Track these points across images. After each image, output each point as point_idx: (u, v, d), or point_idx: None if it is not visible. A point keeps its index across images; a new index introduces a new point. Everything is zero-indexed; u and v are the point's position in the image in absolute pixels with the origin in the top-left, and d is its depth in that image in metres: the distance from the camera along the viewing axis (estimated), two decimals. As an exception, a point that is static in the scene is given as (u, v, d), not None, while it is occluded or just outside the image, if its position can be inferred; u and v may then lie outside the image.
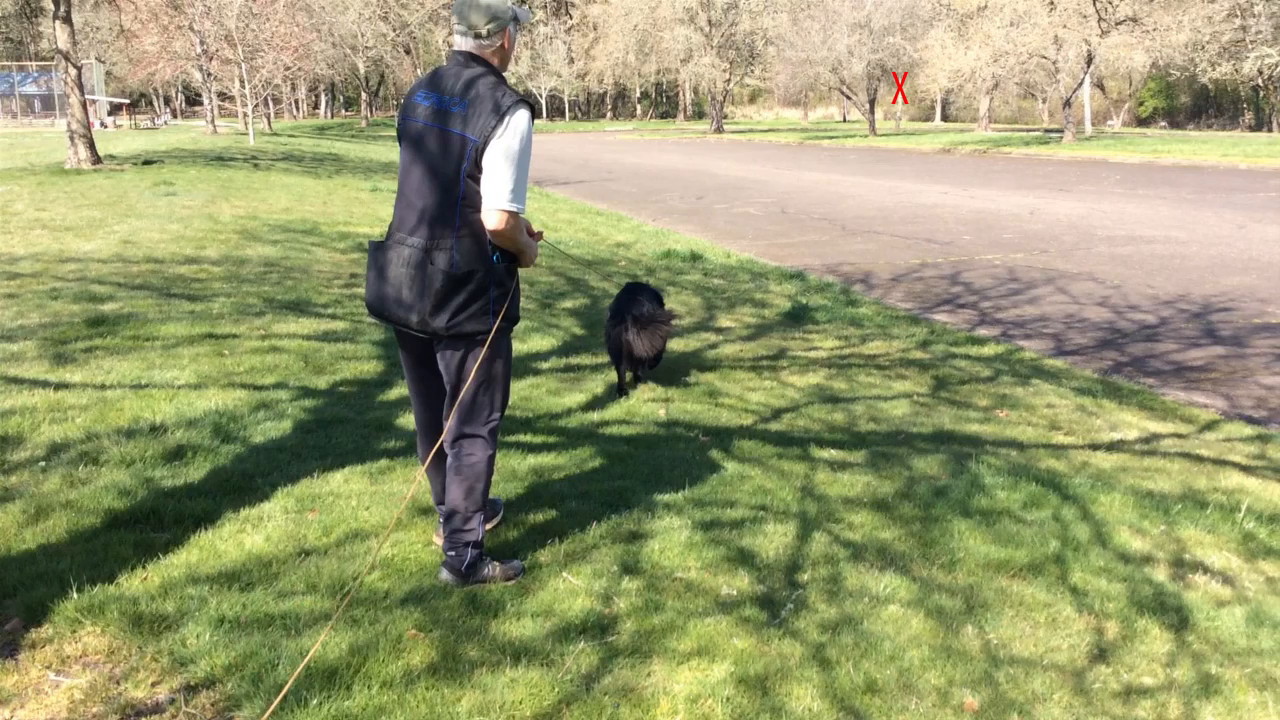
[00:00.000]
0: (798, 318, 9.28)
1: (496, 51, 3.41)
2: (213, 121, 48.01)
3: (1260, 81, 61.79)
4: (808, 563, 3.80)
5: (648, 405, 5.88)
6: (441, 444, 3.57)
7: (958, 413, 6.21)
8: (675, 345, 7.66)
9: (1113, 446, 5.67)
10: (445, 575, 3.49)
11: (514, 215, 3.27)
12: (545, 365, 6.60)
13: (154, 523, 3.85)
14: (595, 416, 5.53)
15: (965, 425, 5.93)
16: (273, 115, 72.65)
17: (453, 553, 3.46)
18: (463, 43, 3.39)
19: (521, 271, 3.60)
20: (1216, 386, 7.83)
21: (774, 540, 3.97)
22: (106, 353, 6.27)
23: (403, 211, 3.39)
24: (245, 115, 41.98)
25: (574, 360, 6.80)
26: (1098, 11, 39.86)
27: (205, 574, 3.46)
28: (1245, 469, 5.40)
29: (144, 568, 3.49)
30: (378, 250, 3.44)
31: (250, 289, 8.54)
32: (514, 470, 4.54)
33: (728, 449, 5.06)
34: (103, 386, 5.56)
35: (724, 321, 8.90)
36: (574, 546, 3.84)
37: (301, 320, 7.37)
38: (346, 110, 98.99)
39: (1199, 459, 5.53)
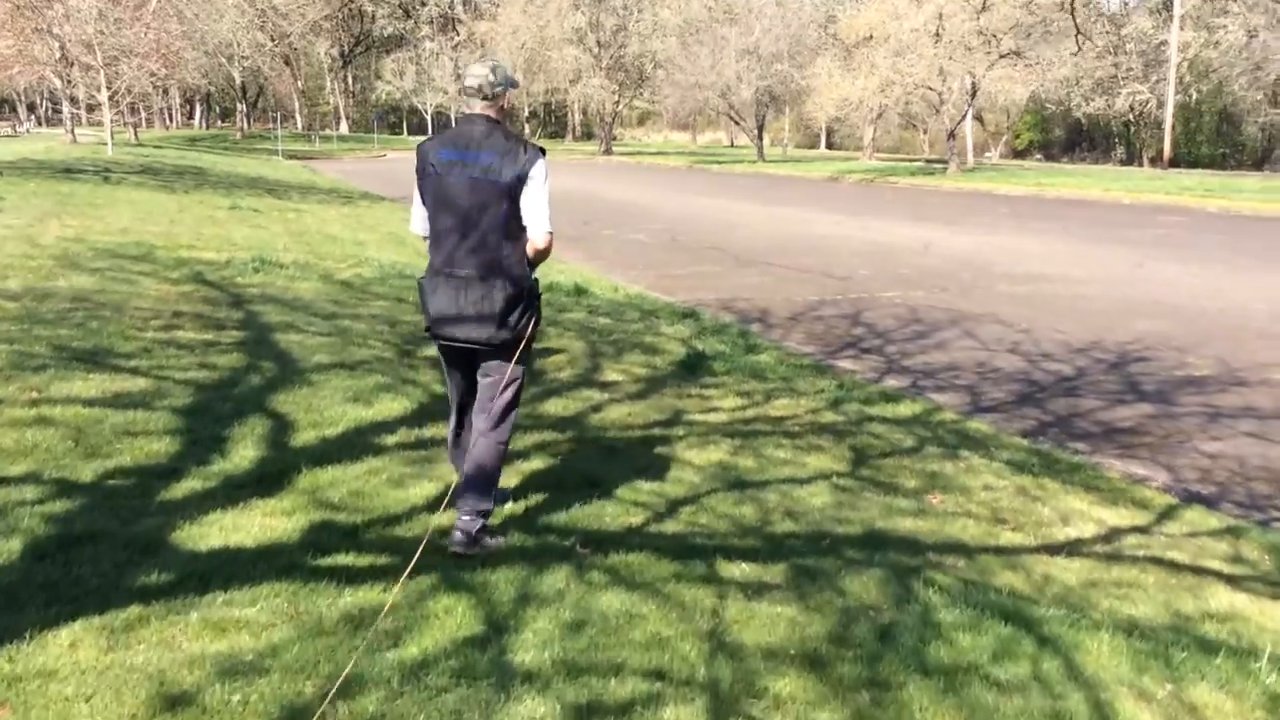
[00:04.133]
0: (693, 368, 8.24)
1: (499, 110, 4.13)
2: (72, 130, 45.14)
3: (1131, 117, 63.87)
4: (723, 777, 2.70)
5: (514, 500, 4.73)
6: (465, 432, 4.39)
7: (886, 501, 5.22)
8: (553, 408, 6.53)
9: (1071, 549, 4.74)
10: (458, 536, 4.06)
11: (552, 234, 4.10)
12: (391, 440, 5.38)
13: None
14: (447, 518, 4.34)
15: (898, 520, 4.94)
16: (141, 124, 69.13)
17: (467, 518, 4.08)
18: (474, 105, 4.11)
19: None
20: (1154, 454, 7.05)
21: (675, 732, 2.86)
22: None
23: (451, 249, 4.06)
24: (106, 124, 39.32)
25: (428, 431, 5.59)
26: (984, 44, 40.27)
27: None
28: (1229, 580, 4.53)
29: None
30: (434, 283, 4.11)
31: (42, 333, 7.09)
32: (320, 619, 3.32)
33: (613, 568, 3.94)
34: None
35: (610, 373, 7.80)
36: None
37: (91, 377, 5.98)
38: (223, 121, 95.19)
39: (1174, 566, 4.63)
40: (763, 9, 62.14)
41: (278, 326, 8.10)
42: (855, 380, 8.50)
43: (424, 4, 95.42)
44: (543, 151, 4.07)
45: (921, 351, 10.13)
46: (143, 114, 72.05)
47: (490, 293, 3.99)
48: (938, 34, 41.47)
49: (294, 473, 4.65)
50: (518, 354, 4.11)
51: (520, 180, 3.97)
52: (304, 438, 5.22)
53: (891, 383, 8.80)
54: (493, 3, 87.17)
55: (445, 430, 5.63)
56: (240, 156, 46.27)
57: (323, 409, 5.74)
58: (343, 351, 7.39)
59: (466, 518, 4.07)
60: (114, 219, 15.16)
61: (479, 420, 4.20)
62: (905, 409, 7.55)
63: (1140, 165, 60.62)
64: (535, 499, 4.78)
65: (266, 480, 4.55)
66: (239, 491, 4.37)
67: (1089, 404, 8.34)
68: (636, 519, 4.61)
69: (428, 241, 4.20)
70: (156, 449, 4.86)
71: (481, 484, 4.13)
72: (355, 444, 5.18)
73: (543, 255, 4.13)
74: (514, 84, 4.19)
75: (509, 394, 4.17)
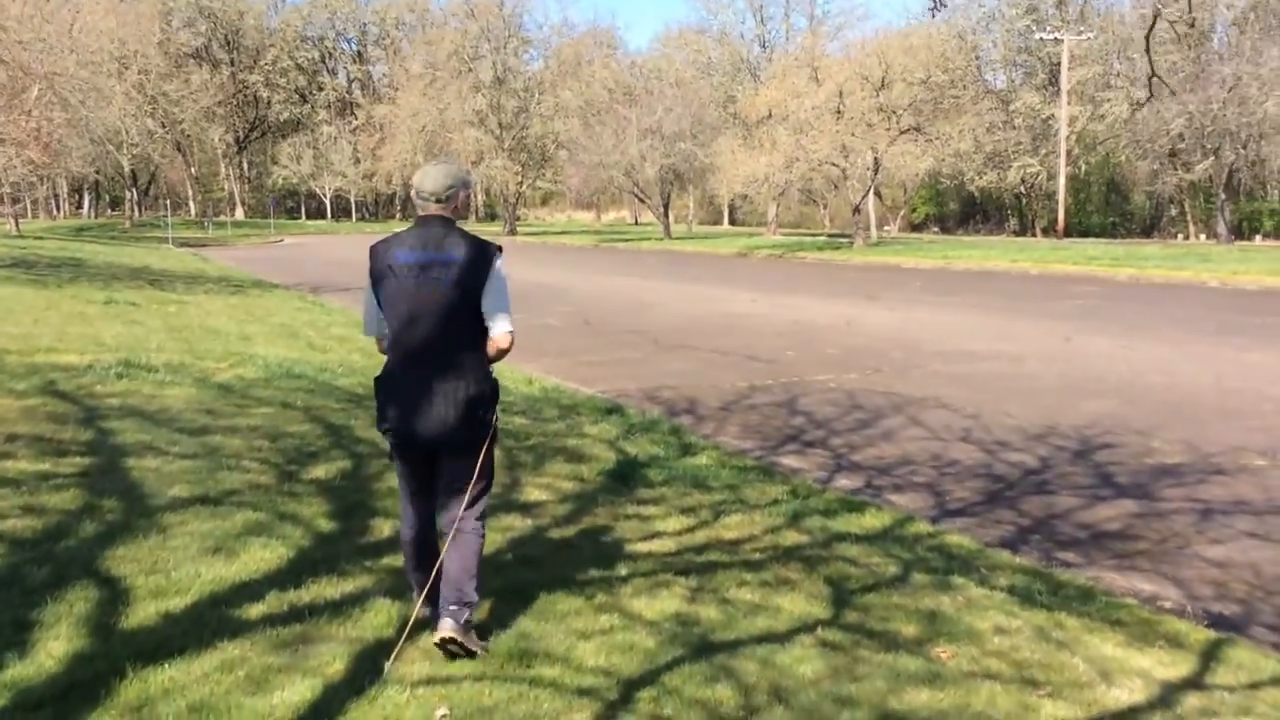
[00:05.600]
0: (626, 478, 7.19)
1: (454, 210, 4.19)
2: (-54, 223, 42.72)
3: (1023, 189, 65.52)
4: None
5: (420, 695, 3.58)
6: (441, 531, 4.16)
7: (888, 661, 4.18)
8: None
9: (1131, 721, 3.76)
10: (447, 624, 3.95)
11: (513, 334, 4.19)
12: (256, 611, 4.17)
13: None
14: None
15: (910, 692, 3.90)
16: (26, 214, 66.18)
17: (454, 608, 4.00)
18: (428, 207, 4.14)
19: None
20: (1155, 564, 6.19)
21: None
22: None
23: (413, 349, 4.06)
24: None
25: (308, 593, 4.40)
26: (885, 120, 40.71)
27: None
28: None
29: None
30: (395, 383, 4.09)
31: None
32: None
33: (558, 815, 2.82)
34: None
35: (532, 490, 6.70)
36: None
37: None
38: (113, 210, 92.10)
39: (1259, 739, 3.69)
40: (663, 90, 62.61)
41: (132, 449, 6.82)
42: (808, 485, 7.52)
43: (320, 89, 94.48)
44: (500, 249, 4.19)
45: (869, 444, 9.24)
46: (26, 203, 69.04)
47: (456, 392, 4.02)
48: (839, 111, 41.80)
49: (116, 677, 3.41)
50: (484, 451, 4.12)
51: (485, 279, 4.06)
52: (139, 616, 3.98)
53: (845, 483, 7.87)
54: (391, 86, 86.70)
55: (330, 589, 4.50)
56: (127, 245, 44.34)
57: (170, 568, 4.51)
58: (208, 480, 6.15)
59: (454, 607, 4.00)
60: (-34, 320, 13.64)
61: (447, 515, 4.13)
62: (872, 520, 6.57)
63: (1034, 235, 61.97)
64: (447, 687, 3.64)
65: (77, 691, 3.32)
66: (32, 717, 3.14)
67: (1065, 502, 7.49)
68: (582, 716, 3.49)
69: (382, 343, 4.20)
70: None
71: (464, 575, 4.06)
72: (207, 621, 3.97)
73: (503, 354, 4.20)
74: (467, 185, 4.27)
75: (481, 485, 4.15)
